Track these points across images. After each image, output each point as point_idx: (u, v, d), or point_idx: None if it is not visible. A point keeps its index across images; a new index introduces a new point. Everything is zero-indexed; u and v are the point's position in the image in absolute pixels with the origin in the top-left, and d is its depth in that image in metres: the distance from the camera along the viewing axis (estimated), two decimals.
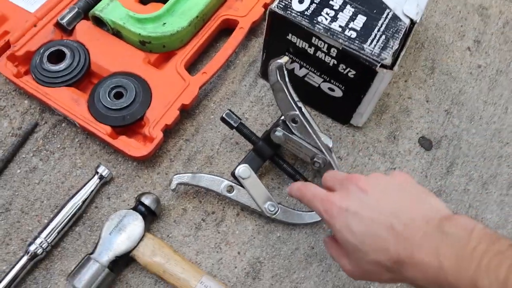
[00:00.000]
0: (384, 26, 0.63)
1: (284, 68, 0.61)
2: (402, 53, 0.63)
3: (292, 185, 0.56)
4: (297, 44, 0.65)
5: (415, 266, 0.41)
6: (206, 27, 0.77)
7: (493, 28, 0.88)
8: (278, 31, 0.66)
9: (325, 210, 0.47)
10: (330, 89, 0.69)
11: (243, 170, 0.64)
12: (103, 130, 0.66)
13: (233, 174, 0.64)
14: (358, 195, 0.46)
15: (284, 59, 0.61)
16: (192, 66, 0.77)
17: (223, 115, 0.66)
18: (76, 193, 0.65)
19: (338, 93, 0.68)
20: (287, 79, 0.62)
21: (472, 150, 0.75)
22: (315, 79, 0.69)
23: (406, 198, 0.45)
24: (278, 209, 0.64)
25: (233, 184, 0.65)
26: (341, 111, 0.73)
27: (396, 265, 0.42)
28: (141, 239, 0.61)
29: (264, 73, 0.77)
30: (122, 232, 0.61)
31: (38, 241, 0.61)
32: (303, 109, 0.63)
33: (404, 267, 0.42)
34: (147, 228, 0.63)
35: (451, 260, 0.38)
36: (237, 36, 0.76)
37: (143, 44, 0.73)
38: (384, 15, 0.63)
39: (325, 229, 0.67)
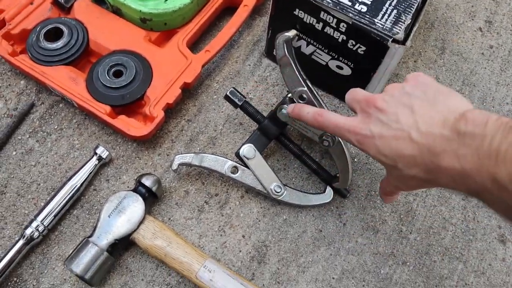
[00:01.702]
0: (395, 0, 0.60)
1: (291, 44, 0.59)
2: (415, 29, 0.60)
3: (301, 107, 0.55)
4: (305, 19, 0.62)
5: (442, 173, 0.40)
6: (209, 4, 0.74)
7: (505, 9, 0.85)
8: (285, 7, 0.63)
9: (357, 140, 0.47)
10: (338, 67, 0.66)
11: (247, 150, 0.61)
12: (102, 110, 0.64)
13: (237, 154, 0.62)
14: (378, 117, 0.45)
15: (291, 32, 0.58)
16: (194, 45, 0.75)
17: (227, 93, 0.63)
18: (74, 175, 0.62)
19: (346, 71, 0.66)
20: (294, 56, 0.59)
21: None
22: (323, 57, 0.66)
23: (422, 104, 0.44)
24: (284, 191, 0.62)
25: (237, 165, 0.62)
26: None
27: (429, 175, 0.42)
28: (141, 222, 0.58)
29: (269, 52, 0.74)
30: (121, 215, 0.58)
31: (34, 224, 0.58)
32: (311, 87, 0.61)
33: (435, 175, 0.41)
34: (148, 211, 0.60)
35: (471, 161, 0.37)
36: (241, 14, 0.74)
37: (144, 22, 0.70)
38: None
39: (333, 211, 0.64)
